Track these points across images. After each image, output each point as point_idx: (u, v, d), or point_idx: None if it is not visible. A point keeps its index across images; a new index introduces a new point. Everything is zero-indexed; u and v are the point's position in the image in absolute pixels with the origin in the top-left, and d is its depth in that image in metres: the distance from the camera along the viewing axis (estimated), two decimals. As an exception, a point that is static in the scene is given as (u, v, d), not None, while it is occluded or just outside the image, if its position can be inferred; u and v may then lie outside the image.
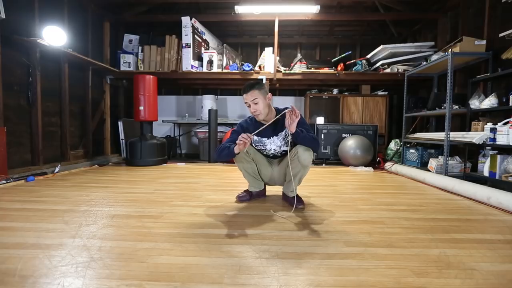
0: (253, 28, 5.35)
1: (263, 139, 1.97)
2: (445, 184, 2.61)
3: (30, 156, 3.15)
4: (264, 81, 4.44)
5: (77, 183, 2.75)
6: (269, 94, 1.90)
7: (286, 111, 1.77)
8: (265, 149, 2.00)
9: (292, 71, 4.51)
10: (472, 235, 1.47)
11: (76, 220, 1.62)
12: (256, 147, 2.01)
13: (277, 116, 1.84)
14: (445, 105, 3.09)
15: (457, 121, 3.61)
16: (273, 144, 1.97)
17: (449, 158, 3.08)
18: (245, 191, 2.16)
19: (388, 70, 4.33)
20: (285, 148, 1.96)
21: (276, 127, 1.92)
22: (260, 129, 1.81)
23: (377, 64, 4.33)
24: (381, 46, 4.18)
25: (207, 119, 4.39)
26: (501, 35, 2.80)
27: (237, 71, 4.50)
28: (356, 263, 1.14)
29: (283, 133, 1.93)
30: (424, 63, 3.82)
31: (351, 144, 4.00)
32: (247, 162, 1.98)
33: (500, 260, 1.18)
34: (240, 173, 2.11)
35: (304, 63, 4.56)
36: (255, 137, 1.94)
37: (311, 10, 4.16)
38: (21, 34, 2.94)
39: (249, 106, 1.86)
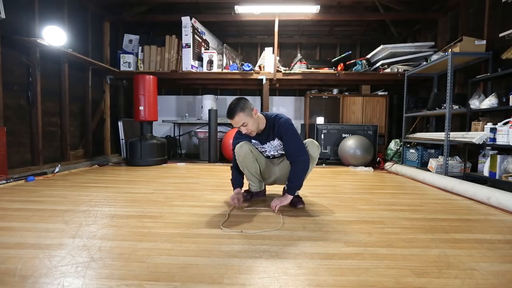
0: (253, 28, 5.35)
1: (261, 144, 1.99)
2: (445, 184, 2.61)
3: (30, 156, 3.15)
4: (264, 81, 4.45)
5: (77, 183, 2.75)
6: (254, 109, 1.82)
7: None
8: (265, 151, 2.02)
9: (292, 71, 4.51)
10: (472, 235, 1.47)
11: (76, 220, 1.62)
12: (257, 148, 2.02)
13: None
14: (445, 105, 3.09)
15: (457, 121, 3.61)
16: (271, 147, 1.98)
17: (449, 158, 3.08)
18: (245, 191, 2.16)
19: (388, 70, 4.33)
20: (282, 152, 1.98)
21: (269, 135, 1.92)
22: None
23: (377, 64, 4.33)
24: (381, 46, 4.18)
25: (207, 119, 4.39)
26: (501, 35, 2.80)
27: (237, 71, 4.50)
28: (356, 263, 1.14)
29: (277, 141, 1.93)
30: (424, 63, 3.82)
31: (351, 144, 4.00)
32: (251, 162, 1.98)
33: (500, 260, 1.18)
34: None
35: (304, 63, 4.56)
36: (254, 140, 1.98)
37: (311, 10, 4.16)
38: (21, 34, 2.94)
39: (239, 127, 1.83)
